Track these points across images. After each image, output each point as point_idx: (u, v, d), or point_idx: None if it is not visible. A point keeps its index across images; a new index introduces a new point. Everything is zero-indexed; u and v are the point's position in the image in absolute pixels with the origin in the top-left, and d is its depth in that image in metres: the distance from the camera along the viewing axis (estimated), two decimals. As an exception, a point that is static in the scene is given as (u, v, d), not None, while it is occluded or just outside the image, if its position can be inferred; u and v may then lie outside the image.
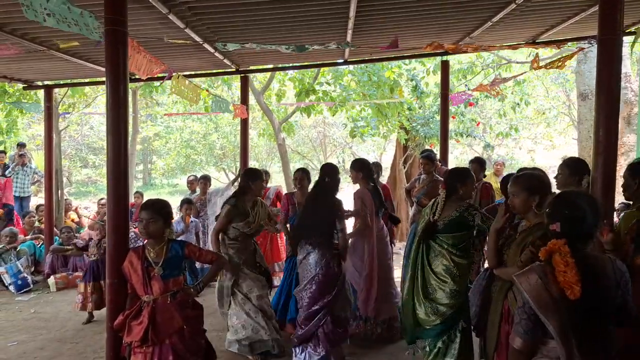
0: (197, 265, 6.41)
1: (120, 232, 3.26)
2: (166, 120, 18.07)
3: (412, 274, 3.39)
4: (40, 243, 7.52)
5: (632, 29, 5.09)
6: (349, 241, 4.30)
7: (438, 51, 5.56)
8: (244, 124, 7.26)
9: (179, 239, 4.45)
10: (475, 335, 3.28)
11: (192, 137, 17.97)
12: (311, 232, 3.83)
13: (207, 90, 8.01)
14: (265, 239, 6.17)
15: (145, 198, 7.33)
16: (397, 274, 6.17)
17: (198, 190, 7.35)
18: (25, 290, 6.58)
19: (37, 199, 11.58)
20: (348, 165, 4.86)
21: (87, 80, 7.75)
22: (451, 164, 9.41)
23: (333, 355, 3.80)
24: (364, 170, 4.60)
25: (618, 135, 3.55)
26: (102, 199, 8.44)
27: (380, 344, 4.44)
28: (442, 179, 5.33)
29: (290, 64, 7.34)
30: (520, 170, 3.46)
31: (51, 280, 6.71)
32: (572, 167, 3.20)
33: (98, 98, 13.14)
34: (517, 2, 4.22)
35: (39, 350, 4.54)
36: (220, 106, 7.01)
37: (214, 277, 3.82)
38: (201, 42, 4.99)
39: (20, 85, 7.60)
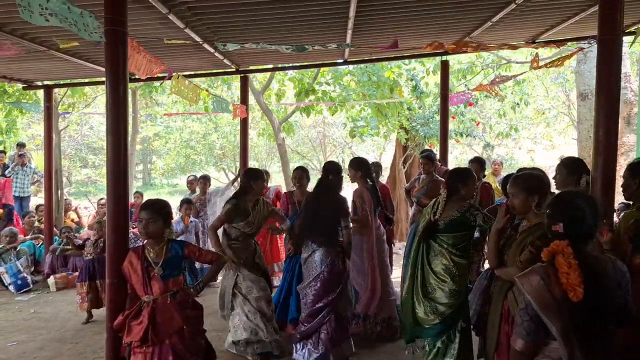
0: (197, 265, 6.41)
1: (120, 231, 3.26)
2: (166, 120, 18.07)
3: (412, 273, 3.39)
4: (40, 243, 7.52)
5: (632, 29, 5.09)
6: None
7: (438, 51, 5.56)
8: (244, 123, 7.27)
9: (178, 239, 4.45)
10: (475, 335, 3.28)
11: (191, 137, 17.96)
12: (316, 230, 3.84)
13: (207, 90, 8.01)
14: (265, 239, 6.16)
15: (145, 198, 7.33)
16: (397, 273, 6.18)
17: (198, 190, 7.36)
18: (25, 290, 6.58)
19: (36, 199, 11.57)
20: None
21: (87, 80, 7.75)
22: (451, 164, 9.42)
23: (333, 354, 3.80)
24: (362, 168, 4.61)
25: (618, 135, 3.56)
26: (102, 199, 8.44)
27: (380, 343, 4.44)
28: (441, 179, 5.34)
29: (290, 64, 7.34)
30: (520, 170, 3.46)
31: (51, 280, 6.71)
32: (570, 167, 3.20)
33: (98, 98, 13.14)
34: (517, 2, 4.22)
35: (38, 351, 4.54)
36: (220, 106, 7.01)
37: (214, 277, 3.82)
38: (201, 42, 4.99)
39: (20, 85, 7.60)
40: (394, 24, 4.93)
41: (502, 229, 2.72)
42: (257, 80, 11.85)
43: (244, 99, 7.20)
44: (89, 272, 5.27)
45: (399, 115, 9.41)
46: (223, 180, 17.54)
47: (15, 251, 6.96)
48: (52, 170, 7.71)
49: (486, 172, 7.95)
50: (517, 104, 11.20)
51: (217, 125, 17.45)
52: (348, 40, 5.20)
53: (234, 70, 6.84)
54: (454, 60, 11.35)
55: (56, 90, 8.05)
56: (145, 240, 3.06)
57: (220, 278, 4.60)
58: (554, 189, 2.96)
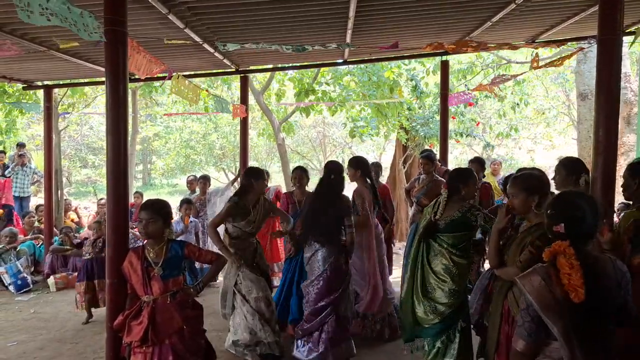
0: (197, 265, 6.41)
1: (120, 231, 3.26)
2: (166, 120, 18.07)
3: (412, 273, 3.39)
4: (40, 243, 7.52)
5: (632, 29, 5.09)
6: None
7: (438, 51, 5.56)
8: (244, 123, 7.27)
9: (178, 239, 4.45)
10: (476, 334, 3.28)
11: (191, 137, 17.95)
12: (318, 229, 3.85)
13: (206, 91, 8.01)
14: (265, 239, 6.16)
15: (145, 198, 7.34)
16: (397, 273, 6.19)
17: (197, 190, 7.35)
18: (25, 290, 6.58)
19: (36, 199, 11.57)
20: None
21: (86, 80, 7.75)
22: (451, 164, 9.43)
23: (332, 354, 3.80)
24: (361, 167, 4.60)
25: (618, 135, 3.56)
26: (101, 198, 8.44)
27: (380, 343, 4.44)
28: (441, 179, 5.34)
29: (290, 64, 7.34)
30: (520, 170, 3.46)
31: (51, 280, 6.71)
32: (568, 167, 3.20)
33: (98, 98, 13.13)
34: (516, 2, 4.22)
35: (38, 351, 4.54)
36: (220, 106, 7.01)
37: (214, 277, 3.82)
38: (201, 42, 4.99)
39: (20, 85, 7.60)
40: (394, 24, 4.93)
41: (503, 229, 2.72)
42: (257, 80, 11.85)
43: (243, 99, 7.20)
44: (86, 272, 5.28)
45: (399, 115, 9.41)
46: (223, 180, 17.54)
47: (15, 251, 6.96)
48: (52, 170, 7.71)
49: (485, 172, 7.96)
50: (517, 104, 11.21)
51: (217, 125, 17.45)
52: (348, 40, 5.21)
53: (234, 70, 6.85)
54: (454, 60, 11.36)
55: (56, 90, 8.05)
56: (145, 241, 3.06)
57: (220, 278, 4.60)
58: (553, 189, 2.96)
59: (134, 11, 3.87)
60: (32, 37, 4.73)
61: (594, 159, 3.33)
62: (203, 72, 7.48)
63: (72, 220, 9.05)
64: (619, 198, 4.20)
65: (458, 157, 19.40)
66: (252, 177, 4.12)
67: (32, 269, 7.12)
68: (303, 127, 18.73)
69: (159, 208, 2.98)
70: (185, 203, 6.55)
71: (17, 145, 9.57)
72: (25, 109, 8.39)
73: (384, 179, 9.89)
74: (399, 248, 8.25)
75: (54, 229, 7.62)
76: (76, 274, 6.59)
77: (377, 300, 4.45)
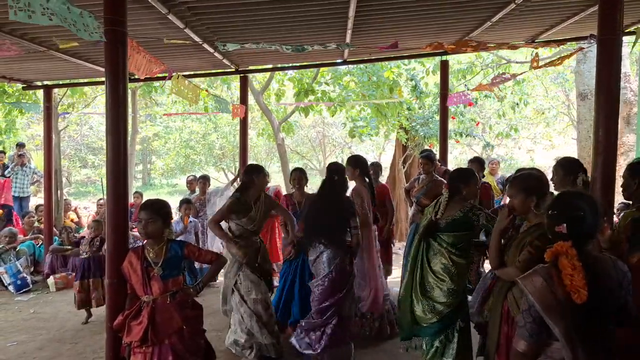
0: (197, 265, 6.41)
1: (120, 231, 3.26)
2: (165, 120, 18.06)
3: (411, 271, 3.39)
4: (40, 243, 7.52)
5: (632, 29, 5.09)
6: None
7: (438, 51, 5.56)
8: (243, 123, 7.27)
9: (178, 239, 4.44)
10: (477, 333, 3.28)
11: (191, 137, 17.95)
12: (322, 231, 3.85)
13: (206, 90, 8.01)
14: (265, 238, 6.16)
15: (145, 198, 7.33)
16: (397, 273, 6.19)
17: (197, 190, 7.35)
18: (24, 290, 6.58)
19: (36, 199, 11.57)
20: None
21: (86, 80, 7.75)
22: (450, 164, 9.42)
23: (329, 355, 3.81)
24: (360, 166, 4.60)
25: (618, 135, 3.56)
26: (101, 199, 8.43)
27: (379, 342, 4.44)
28: (441, 179, 5.34)
29: (290, 64, 7.34)
30: (519, 171, 3.46)
31: (50, 280, 6.71)
32: (566, 167, 3.20)
33: (97, 98, 13.12)
34: (516, 2, 4.22)
35: (38, 351, 4.54)
36: (220, 106, 7.01)
37: (214, 277, 3.81)
38: (201, 42, 4.99)
39: (20, 85, 7.60)
40: (394, 24, 4.93)
41: (505, 230, 2.72)
42: (257, 80, 11.85)
43: (243, 99, 7.20)
44: (83, 271, 5.28)
45: (399, 115, 9.41)
46: (223, 180, 17.54)
47: (14, 251, 6.96)
48: (51, 170, 7.71)
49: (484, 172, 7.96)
50: (517, 104, 11.21)
51: (217, 125, 17.45)
52: (347, 40, 5.21)
53: (234, 70, 6.85)
54: (453, 60, 11.35)
55: (56, 90, 8.04)
56: (145, 241, 3.06)
57: (220, 278, 4.59)
58: (552, 189, 2.96)
59: (134, 11, 3.87)
60: (32, 37, 4.73)
61: (594, 159, 3.33)
62: (203, 72, 7.48)
63: (72, 220, 9.04)
64: (619, 198, 4.20)
65: (458, 157, 19.40)
66: (253, 174, 4.10)
67: (32, 269, 7.12)
68: (303, 127, 18.74)
69: (159, 208, 2.98)
70: (185, 203, 6.55)
71: (17, 145, 9.56)
72: (25, 109, 8.39)
73: (383, 178, 9.89)
74: (399, 248, 8.25)
75: (54, 229, 7.61)
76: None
77: (379, 300, 4.45)
